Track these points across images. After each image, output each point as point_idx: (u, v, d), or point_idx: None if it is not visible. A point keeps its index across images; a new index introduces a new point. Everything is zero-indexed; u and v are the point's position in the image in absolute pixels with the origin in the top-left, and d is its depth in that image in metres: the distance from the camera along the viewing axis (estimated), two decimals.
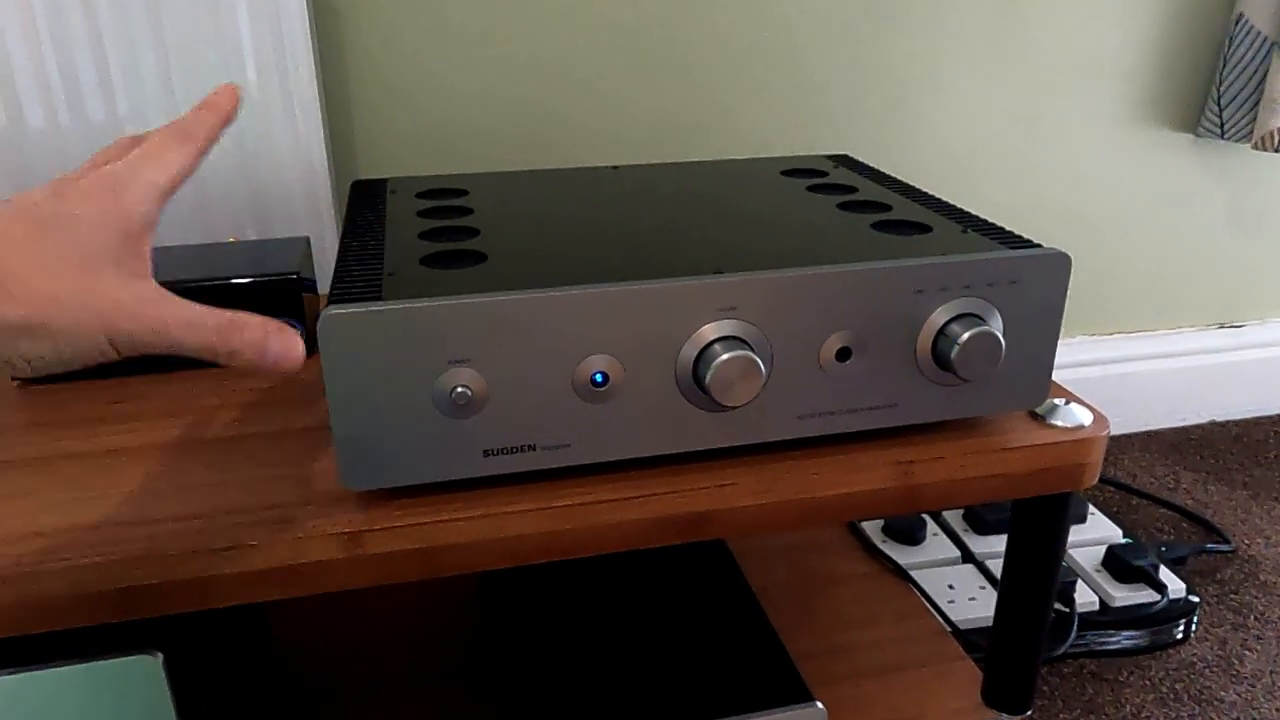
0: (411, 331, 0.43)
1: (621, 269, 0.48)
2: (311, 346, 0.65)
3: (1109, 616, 0.89)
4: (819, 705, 0.60)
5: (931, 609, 0.84)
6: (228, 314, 0.38)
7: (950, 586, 0.89)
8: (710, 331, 0.47)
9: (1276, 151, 1.08)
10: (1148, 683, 0.86)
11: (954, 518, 0.99)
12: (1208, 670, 0.87)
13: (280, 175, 0.84)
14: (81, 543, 0.44)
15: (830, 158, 0.75)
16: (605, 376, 0.46)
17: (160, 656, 0.46)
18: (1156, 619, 0.89)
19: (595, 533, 0.48)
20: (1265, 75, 1.07)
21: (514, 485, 0.48)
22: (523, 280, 0.46)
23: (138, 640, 0.46)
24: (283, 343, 0.39)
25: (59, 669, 0.45)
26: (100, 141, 0.80)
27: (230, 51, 0.80)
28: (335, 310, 0.43)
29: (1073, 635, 0.86)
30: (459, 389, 0.44)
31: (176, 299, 0.38)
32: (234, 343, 0.38)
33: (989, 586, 0.90)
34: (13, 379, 0.61)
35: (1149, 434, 1.29)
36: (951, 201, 0.62)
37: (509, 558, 0.48)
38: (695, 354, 0.47)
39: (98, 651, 0.46)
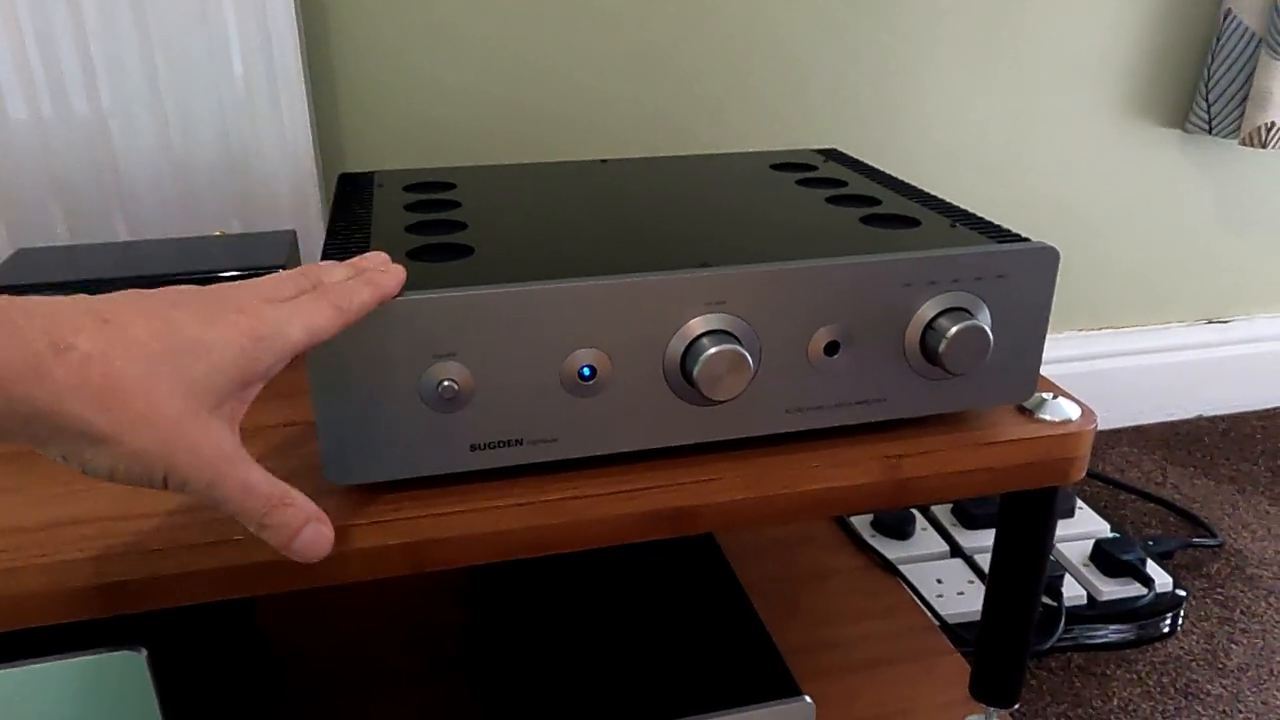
0: (397, 325, 0.43)
1: (609, 262, 0.48)
2: None
3: (1096, 610, 0.89)
4: (807, 699, 0.60)
5: (920, 603, 0.84)
6: (281, 489, 0.38)
7: (939, 581, 0.90)
8: (698, 325, 0.47)
9: (1264, 147, 1.08)
10: (1134, 676, 0.86)
11: (943, 512, 0.99)
12: (1194, 664, 0.88)
13: (267, 169, 0.84)
14: (64, 538, 0.44)
15: (819, 152, 0.75)
16: (592, 370, 0.46)
17: (144, 652, 0.46)
18: (1143, 613, 0.90)
19: (583, 527, 0.48)
20: (1253, 71, 1.08)
21: (501, 480, 0.48)
22: (510, 274, 0.46)
23: (121, 636, 0.46)
24: (314, 536, 0.38)
25: (41, 665, 0.45)
26: (84, 134, 0.80)
27: (216, 45, 0.80)
28: None
29: (1060, 629, 0.86)
30: (445, 383, 0.44)
31: (245, 458, 0.37)
32: (272, 519, 0.37)
33: (977, 581, 0.90)
34: None
35: (1137, 429, 1.30)
36: (940, 196, 0.62)
37: (496, 552, 0.48)
38: (683, 348, 0.47)
39: (81, 647, 0.45)
